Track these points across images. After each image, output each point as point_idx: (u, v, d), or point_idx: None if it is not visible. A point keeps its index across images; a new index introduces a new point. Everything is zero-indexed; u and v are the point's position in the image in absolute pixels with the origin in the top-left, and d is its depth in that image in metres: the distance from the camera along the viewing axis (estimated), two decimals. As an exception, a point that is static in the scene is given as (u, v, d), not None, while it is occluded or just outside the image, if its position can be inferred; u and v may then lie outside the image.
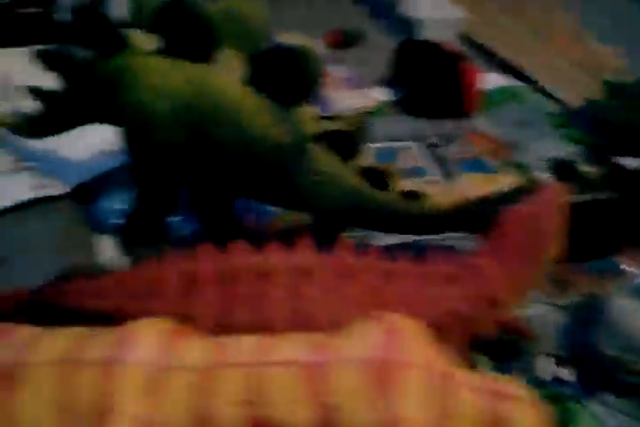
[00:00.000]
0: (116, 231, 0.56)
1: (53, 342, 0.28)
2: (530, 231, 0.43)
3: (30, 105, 0.57)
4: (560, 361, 0.49)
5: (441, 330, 0.38)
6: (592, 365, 0.49)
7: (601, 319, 0.48)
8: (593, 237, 0.57)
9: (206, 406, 0.25)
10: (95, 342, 0.28)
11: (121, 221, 0.56)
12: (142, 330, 0.28)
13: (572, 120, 0.74)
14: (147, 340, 0.27)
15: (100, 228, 0.57)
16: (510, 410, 0.26)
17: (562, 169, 0.57)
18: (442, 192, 0.53)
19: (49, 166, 0.62)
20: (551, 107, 0.78)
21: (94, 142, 0.63)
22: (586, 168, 0.58)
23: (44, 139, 0.60)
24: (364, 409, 0.24)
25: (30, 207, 0.59)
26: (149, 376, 0.26)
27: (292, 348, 0.27)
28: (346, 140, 0.50)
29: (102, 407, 0.25)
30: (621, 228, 0.57)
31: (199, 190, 0.53)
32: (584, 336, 0.50)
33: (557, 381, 0.48)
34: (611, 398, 0.47)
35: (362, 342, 0.27)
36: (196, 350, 0.27)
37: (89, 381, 0.26)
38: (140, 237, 0.55)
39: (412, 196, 0.50)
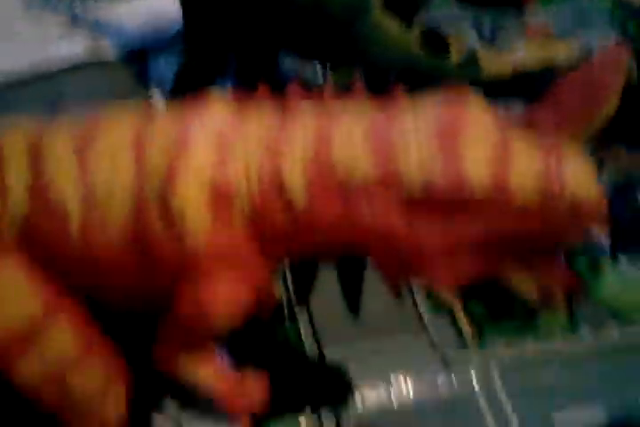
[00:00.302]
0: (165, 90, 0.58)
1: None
2: (585, 94, 0.43)
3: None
4: (594, 222, 0.50)
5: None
6: (625, 223, 0.50)
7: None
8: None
9: (275, 162, 0.26)
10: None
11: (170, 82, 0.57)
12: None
13: (634, 17, 0.73)
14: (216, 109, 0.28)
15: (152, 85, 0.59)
16: (566, 174, 0.26)
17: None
18: (498, 58, 0.53)
19: (101, 30, 0.64)
20: (612, 4, 0.76)
21: (149, 8, 0.64)
22: None
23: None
24: (428, 155, 0.24)
25: (83, 68, 0.61)
26: (219, 139, 0.27)
27: (356, 112, 0.27)
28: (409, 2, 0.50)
29: (174, 161, 0.27)
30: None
31: (247, 52, 0.54)
32: (622, 197, 0.50)
33: (590, 238, 0.49)
34: (637, 253, 0.48)
35: (426, 109, 0.27)
36: (263, 114, 0.28)
37: (163, 129, 0.28)
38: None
39: (470, 62, 0.50)
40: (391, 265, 0.28)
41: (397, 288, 0.44)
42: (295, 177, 0.25)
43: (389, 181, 0.25)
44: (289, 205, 0.26)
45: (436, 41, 0.50)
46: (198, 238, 0.27)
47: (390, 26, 0.49)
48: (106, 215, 0.27)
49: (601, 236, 0.49)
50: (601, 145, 0.57)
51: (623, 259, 0.48)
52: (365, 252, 0.28)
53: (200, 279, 0.28)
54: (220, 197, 0.26)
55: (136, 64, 0.61)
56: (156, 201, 0.27)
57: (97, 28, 0.64)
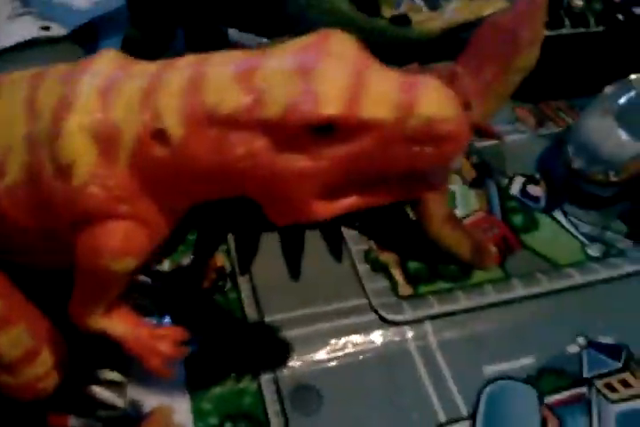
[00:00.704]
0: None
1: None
2: (503, 40, 0.44)
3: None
4: (531, 180, 0.52)
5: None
6: (560, 180, 0.52)
7: (572, 138, 0.50)
8: (581, 73, 0.58)
9: (153, 103, 0.27)
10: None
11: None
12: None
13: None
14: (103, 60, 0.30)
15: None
16: (421, 97, 0.25)
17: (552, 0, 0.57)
18: (429, 18, 0.54)
19: (50, 10, 0.64)
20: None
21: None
22: (577, 2, 0.58)
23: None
24: (288, 87, 0.25)
25: (34, 47, 0.61)
26: (104, 85, 0.28)
27: (233, 54, 0.28)
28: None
29: (59, 106, 0.28)
30: (610, 63, 0.57)
31: (194, 26, 0.55)
32: (556, 156, 0.52)
33: (527, 196, 0.51)
34: (572, 209, 0.50)
35: (293, 43, 0.27)
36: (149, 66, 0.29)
37: (50, 86, 0.29)
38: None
39: (402, 21, 0.51)
40: (275, 205, 0.28)
41: (339, 252, 0.46)
42: (169, 115, 0.27)
43: (254, 109, 0.26)
44: (166, 140, 0.27)
45: (366, 2, 0.50)
46: (86, 183, 0.28)
47: None
48: (4, 165, 0.29)
49: (537, 193, 0.51)
50: (544, 99, 0.59)
51: (557, 214, 0.50)
52: (251, 193, 0.28)
53: (92, 225, 0.28)
54: (104, 143, 0.28)
55: (86, 41, 0.62)
56: (46, 148, 0.28)
57: (47, 8, 0.64)
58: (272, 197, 0.28)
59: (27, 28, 0.62)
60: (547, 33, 0.56)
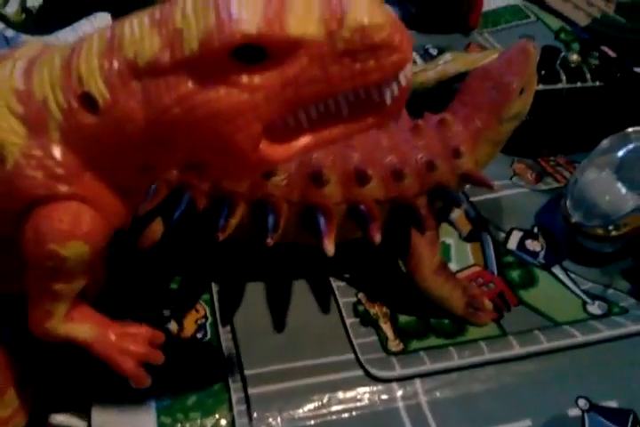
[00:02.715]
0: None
1: None
2: (492, 87, 0.44)
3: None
4: (529, 235, 0.50)
5: (403, 176, 0.40)
6: (558, 234, 0.50)
7: (570, 192, 0.49)
8: (579, 128, 0.57)
9: (75, 70, 0.25)
10: None
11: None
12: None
13: (579, 37, 0.74)
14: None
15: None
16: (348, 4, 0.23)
17: (547, 54, 0.57)
18: (423, 70, 0.54)
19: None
20: (558, 25, 0.77)
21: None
22: (573, 56, 0.57)
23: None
24: (204, 20, 0.23)
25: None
26: (27, 66, 0.27)
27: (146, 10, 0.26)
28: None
29: None
30: (607, 118, 0.57)
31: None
32: (555, 211, 0.50)
33: (524, 251, 0.49)
34: (572, 265, 0.48)
35: None
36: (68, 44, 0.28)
37: None
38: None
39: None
40: (220, 158, 0.26)
41: (326, 303, 0.44)
42: (92, 78, 0.25)
43: (173, 50, 0.24)
44: (94, 105, 0.25)
45: None
46: (20, 166, 0.26)
47: None
48: None
49: (536, 248, 0.49)
50: (542, 154, 0.58)
51: (556, 269, 0.48)
52: (193, 149, 0.26)
53: (36, 213, 0.26)
54: (32, 121, 0.26)
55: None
56: None
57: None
58: (214, 146, 0.25)
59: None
60: (543, 87, 0.56)
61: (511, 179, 0.55)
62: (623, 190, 0.47)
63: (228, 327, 0.42)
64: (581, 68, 0.57)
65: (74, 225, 0.26)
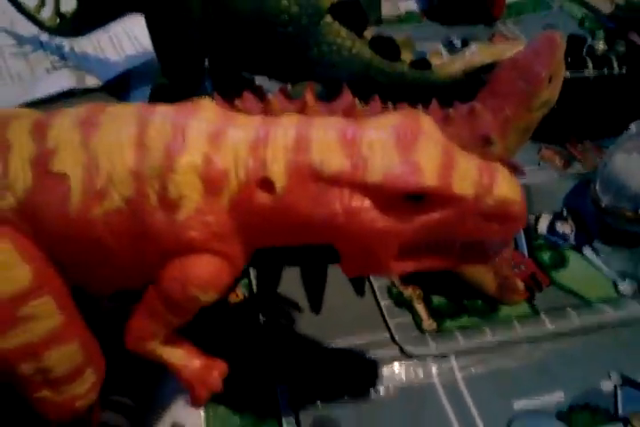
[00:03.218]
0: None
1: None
2: (521, 77, 0.44)
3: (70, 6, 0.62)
4: (559, 217, 0.51)
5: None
6: (587, 217, 0.51)
7: (599, 175, 0.50)
8: (606, 114, 0.58)
9: (261, 154, 0.29)
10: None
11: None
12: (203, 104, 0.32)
13: (603, 24, 0.74)
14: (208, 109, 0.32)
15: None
16: (497, 179, 0.30)
17: (573, 43, 0.57)
18: (450, 62, 0.55)
19: (87, 64, 0.67)
20: (581, 13, 0.78)
21: (127, 42, 0.68)
22: (599, 44, 0.58)
23: (83, 37, 0.65)
24: (389, 157, 0.29)
25: (69, 98, 0.64)
26: (212, 130, 0.30)
27: (332, 120, 0.31)
28: (357, 11, 0.52)
29: (173, 144, 0.30)
30: (634, 103, 0.57)
31: (220, 66, 0.57)
32: (584, 194, 0.51)
33: (555, 233, 0.50)
34: (602, 246, 0.49)
35: (387, 118, 0.31)
36: (249, 117, 0.32)
37: (160, 125, 0.31)
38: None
39: (422, 65, 0.52)
40: (356, 259, 0.31)
41: (361, 286, 0.46)
42: (276, 167, 0.29)
43: (356, 172, 0.29)
44: (269, 190, 0.29)
45: (385, 46, 0.52)
46: (190, 218, 0.30)
47: (341, 34, 0.51)
48: (106, 191, 0.30)
49: (566, 231, 0.50)
50: (570, 140, 0.59)
51: (587, 250, 0.48)
52: (338, 245, 0.31)
53: (187, 257, 0.30)
54: (210, 184, 0.30)
55: (118, 91, 0.64)
56: (155, 181, 0.30)
57: (83, 61, 0.67)
58: (357, 251, 0.31)
59: (64, 80, 0.65)
60: (570, 75, 0.57)
61: (539, 164, 0.56)
62: (651, 172, 0.48)
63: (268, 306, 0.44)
64: (608, 55, 0.58)
65: (217, 277, 0.31)
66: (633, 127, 0.51)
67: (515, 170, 0.45)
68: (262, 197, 0.29)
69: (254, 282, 0.45)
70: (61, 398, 0.33)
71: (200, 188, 0.30)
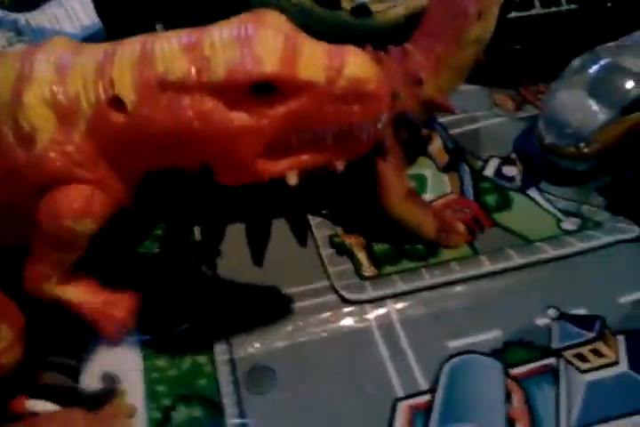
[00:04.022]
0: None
1: None
2: (450, 14, 0.44)
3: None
4: (507, 161, 0.51)
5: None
6: (534, 158, 0.50)
7: (542, 114, 0.49)
8: (558, 53, 0.57)
9: (108, 74, 0.30)
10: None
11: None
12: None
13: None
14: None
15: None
16: (347, 61, 0.29)
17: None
18: (391, 6, 0.54)
19: (42, 38, 0.67)
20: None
21: (83, 14, 0.69)
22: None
23: (38, 12, 0.66)
24: (230, 53, 0.28)
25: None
26: (59, 61, 0.31)
27: (177, 31, 0.31)
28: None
29: (20, 79, 0.31)
30: (585, 40, 0.56)
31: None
32: (532, 136, 0.51)
33: (501, 176, 0.50)
34: (548, 186, 0.49)
35: (231, 19, 0.31)
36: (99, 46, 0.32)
37: (8, 64, 0.32)
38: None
39: (362, 12, 0.52)
40: (225, 165, 0.31)
41: (304, 237, 0.46)
42: (124, 83, 0.29)
43: (201, 74, 0.29)
44: (121, 108, 0.30)
45: None
46: (47, 149, 0.30)
47: None
48: None
49: (512, 173, 0.50)
50: (522, 83, 0.58)
51: (532, 191, 0.48)
52: (202, 154, 0.31)
53: (55, 191, 0.31)
54: (62, 112, 0.30)
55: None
56: (7, 119, 0.30)
57: (39, 36, 0.68)
58: (220, 156, 0.30)
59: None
60: (517, 14, 0.56)
61: (491, 109, 0.56)
62: (594, 107, 0.47)
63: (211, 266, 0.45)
64: (553, -8, 0.57)
65: (88, 206, 0.31)
66: (575, 63, 0.50)
67: (445, 109, 0.45)
68: (116, 117, 0.30)
69: (199, 239, 0.46)
70: None
71: (52, 118, 0.30)
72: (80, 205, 0.31)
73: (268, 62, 0.28)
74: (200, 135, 0.29)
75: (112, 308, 0.34)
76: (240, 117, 0.29)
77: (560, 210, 0.47)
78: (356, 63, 0.29)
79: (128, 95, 0.29)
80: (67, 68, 0.30)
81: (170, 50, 0.29)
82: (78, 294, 0.34)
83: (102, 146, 0.31)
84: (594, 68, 0.49)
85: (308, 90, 0.29)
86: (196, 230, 0.47)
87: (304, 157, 0.31)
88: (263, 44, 0.28)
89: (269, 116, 0.29)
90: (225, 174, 0.31)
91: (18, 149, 0.30)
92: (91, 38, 0.66)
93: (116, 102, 0.29)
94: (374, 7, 0.52)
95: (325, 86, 0.29)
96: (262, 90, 0.28)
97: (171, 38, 0.30)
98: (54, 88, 0.30)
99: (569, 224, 0.46)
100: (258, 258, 0.45)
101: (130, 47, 0.30)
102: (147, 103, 0.29)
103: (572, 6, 0.56)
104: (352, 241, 0.46)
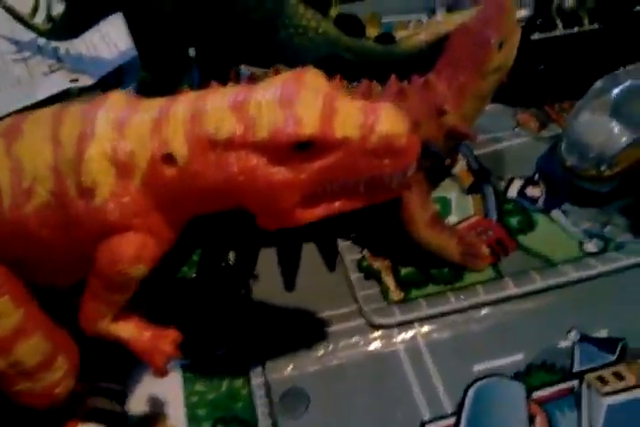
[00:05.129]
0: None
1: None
2: (472, 44, 0.46)
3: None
4: (530, 182, 0.52)
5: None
6: (558, 179, 0.51)
7: (565, 135, 0.50)
8: (581, 72, 0.58)
9: (162, 132, 0.33)
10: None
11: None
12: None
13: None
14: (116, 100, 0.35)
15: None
16: (380, 117, 0.31)
17: (542, 1, 0.57)
18: (414, 33, 0.56)
19: (82, 64, 0.70)
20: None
21: (119, 39, 0.71)
22: (568, 1, 0.58)
23: (74, 39, 0.68)
24: (273, 114, 0.31)
25: (66, 98, 0.67)
26: (117, 118, 0.34)
27: (226, 89, 0.34)
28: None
29: (82, 137, 0.33)
30: (608, 60, 0.57)
31: (205, 56, 0.59)
32: (553, 155, 0.52)
33: (525, 197, 0.51)
34: (571, 207, 0.50)
35: (274, 79, 0.33)
36: (153, 101, 0.35)
37: (71, 121, 0.34)
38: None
39: (387, 40, 0.53)
40: (265, 213, 0.34)
41: (333, 262, 0.48)
42: (176, 141, 0.32)
43: (247, 133, 0.31)
44: (174, 162, 0.32)
45: (350, 23, 0.53)
46: (107, 201, 0.33)
47: (306, 15, 0.53)
48: (32, 189, 0.34)
49: (535, 194, 0.51)
50: (547, 103, 0.59)
51: (555, 212, 0.49)
52: (246, 204, 0.34)
53: (112, 237, 0.34)
54: (120, 167, 0.33)
55: (114, 87, 0.67)
56: (70, 173, 0.33)
57: (78, 62, 0.71)
58: (263, 205, 0.33)
59: (59, 82, 0.68)
60: (539, 36, 0.57)
61: (514, 129, 0.57)
62: (616, 129, 0.48)
63: (245, 290, 0.47)
64: (577, 12, 0.57)
65: (142, 252, 0.34)
66: (597, 85, 0.51)
67: (467, 137, 0.47)
68: (169, 171, 0.32)
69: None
70: (38, 387, 0.36)
71: (112, 172, 0.33)
72: (135, 252, 0.34)
73: (308, 124, 0.30)
74: (244, 188, 0.32)
75: (160, 342, 0.36)
76: (281, 172, 0.31)
77: (583, 231, 0.48)
78: (388, 120, 0.31)
79: (180, 151, 0.32)
80: (124, 126, 0.33)
81: (219, 109, 0.32)
82: (129, 330, 0.36)
83: (155, 197, 0.34)
84: (615, 91, 0.50)
85: (344, 146, 0.31)
86: (231, 255, 0.49)
87: (337, 204, 0.34)
88: (303, 105, 0.31)
89: (307, 170, 0.31)
90: (265, 220, 0.34)
91: (79, 200, 0.33)
92: (128, 65, 0.69)
93: (169, 158, 0.32)
94: (398, 34, 0.54)
95: (359, 143, 0.31)
96: (302, 147, 0.31)
97: (220, 98, 0.33)
98: (114, 144, 0.33)
99: (591, 246, 0.47)
100: (289, 283, 0.47)
101: (182, 106, 0.33)
102: (197, 159, 0.32)
103: (595, 26, 0.57)
104: (379, 265, 0.47)
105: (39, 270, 0.36)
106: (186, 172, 0.32)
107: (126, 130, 0.33)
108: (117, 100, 0.35)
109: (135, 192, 0.33)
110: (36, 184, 0.33)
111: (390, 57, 0.54)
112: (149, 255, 0.34)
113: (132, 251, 0.33)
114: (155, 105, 0.34)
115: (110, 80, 0.69)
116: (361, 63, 0.55)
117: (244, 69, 0.62)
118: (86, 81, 0.68)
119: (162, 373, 0.37)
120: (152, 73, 0.61)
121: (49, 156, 0.33)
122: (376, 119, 0.31)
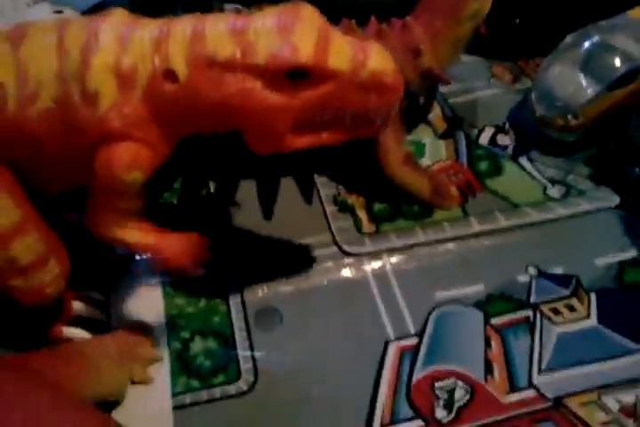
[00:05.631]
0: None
1: None
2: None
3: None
4: (501, 130, 0.55)
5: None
6: (527, 129, 0.54)
7: (535, 86, 0.53)
8: (556, 27, 0.60)
9: (163, 49, 0.34)
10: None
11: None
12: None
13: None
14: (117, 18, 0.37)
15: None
16: (370, 54, 0.33)
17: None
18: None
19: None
20: None
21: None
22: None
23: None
24: (271, 41, 0.33)
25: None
26: (120, 33, 0.35)
27: (223, 15, 0.36)
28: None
29: (87, 48, 0.35)
30: (583, 14, 0.59)
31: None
32: (524, 106, 0.54)
33: (495, 145, 0.54)
34: (538, 155, 0.53)
35: (271, 10, 0.35)
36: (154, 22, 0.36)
37: (76, 32, 0.35)
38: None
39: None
40: (257, 136, 0.36)
41: (309, 195, 0.50)
42: (177, 59, 0.34)
43: (245, 56, 0.33)
44: (174, 78, 0.34)
45: None
46: (108, 110, 0.35)
47: None
48: (37, 93, 0.35)
49: (506, 142, 0.54)
50: (521, 57, 0.61)
51: (523, 159, 0.52)
52: (241, 125, 0.36)
53: (109, 145, 0.35)
54: (123, 79, 0.35)
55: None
56: (74, 81, 0.35)
57: None
58: (256, 128, 0.35)
59: (42, 14, 0.68)
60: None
61: (489, 81, 0.59)
62: (584, 82, 0.51)
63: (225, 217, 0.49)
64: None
65: (137, 160, 0.36)
66: (568, 39, 0.53)
67: (441, 79, 0.49)
68: (168, 87, 0.34)
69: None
70: (31, 284, 0.38)
71: (114, 83, 0.34)
72: (130, 158, 0.35)
73: (304, 52, 0.32)
74: (239, 109, 0.34)
75: (181, 243, 0.39)
76: (275, 97, 0.33)
77: (548, 178, 0.51)
78: (379, 57, 0.33)
79: (181, 69, 0.34)
80: (127, 40, 0.35)
81: (219, 32, 0.34)
82: (138, 235, 0.38)
83: (154, 111, 0.35)
84: (585, 45, 0.52)
85: (335, 77, 0.33)
86: (212, 185, 0.51)
87: (323, 135, 0.36)
88: (300, 35, 0.33)
89: (300, 97, 0.33)
90: (256, 143, 0.36)
91: (82, 107, 0.35)
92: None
93: (170, 74, 0.34)
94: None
95: (350, 76, 0.33)
96: (296, 75, 0.33)
97: (220, 22, 0.34)
98: (117, 57, 0.34)
99: (554, 191, 0.50)
100: (268, 212, 0.49)
101: (182, 27, 0.35)
102: (196, 77, 0.34)
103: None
104: (354, 200, 0.50)
105: (36, 175, 0.38)
106: (185, 89, 0.34)
107: (129, 44, 0.35)
108: (120, 15, 0.36)
109: (136, 104, 0.35)
110: (41, 89, 0.35)
111: (373, 1, 0.56)
112: (144, 164, 0.36)
113: (127, 157, 0.35)
114: (155, 25, 0.36)
115: (94, 13, 0.69)
116: (347, 7, 0.56)
117: (229, 6, 0.63)
118: (70, 13, 0.69)
119: (193, 271, 0.38)
120: (137, 8, 0.61)
121: (54, 63, 0.35)
122: (367, 55, 0.33)
